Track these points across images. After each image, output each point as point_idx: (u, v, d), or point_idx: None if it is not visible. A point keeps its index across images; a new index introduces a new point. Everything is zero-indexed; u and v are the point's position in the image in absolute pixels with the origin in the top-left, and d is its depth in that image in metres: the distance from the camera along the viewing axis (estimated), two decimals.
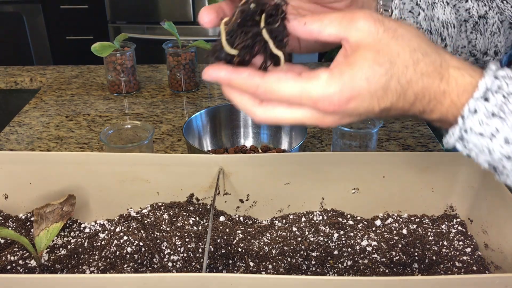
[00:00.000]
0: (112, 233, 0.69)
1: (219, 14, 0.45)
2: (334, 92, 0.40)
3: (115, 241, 0.66)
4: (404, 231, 0.71)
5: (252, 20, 0.42)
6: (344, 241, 0.69)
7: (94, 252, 0.66)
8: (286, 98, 0.41)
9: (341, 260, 0.67)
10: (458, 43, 0.65)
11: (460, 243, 0.69)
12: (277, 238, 0.70)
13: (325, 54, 2.48)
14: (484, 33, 0.66)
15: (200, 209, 0.74)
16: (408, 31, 0.42)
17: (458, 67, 0.42)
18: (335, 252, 0.68)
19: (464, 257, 0.67)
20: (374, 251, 0.68)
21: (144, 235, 0.68)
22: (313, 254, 0.67)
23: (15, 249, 0.66)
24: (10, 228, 0.70)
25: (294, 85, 0.40)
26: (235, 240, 0.69)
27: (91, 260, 0.64)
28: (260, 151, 1.01)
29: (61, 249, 0.67)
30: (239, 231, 0.71)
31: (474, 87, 0.42)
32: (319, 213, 0.75)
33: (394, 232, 0.71)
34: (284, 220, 0.75)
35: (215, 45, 0.43)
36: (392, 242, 0.69)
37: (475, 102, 0.41)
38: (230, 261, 0.66)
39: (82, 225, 0.73)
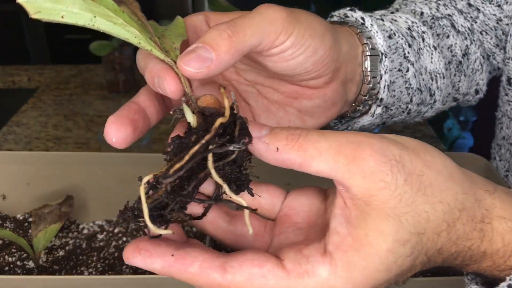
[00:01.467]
0: (110, 234, 0.69)
1: (136, 128, 0.32)
2: None
3: (114, 242, 0.66)
4: None
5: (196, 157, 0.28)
6: None
7: (92, 253, 0.65)
8: None
9: None
10: (444, 93, 0.55)
11: None
12: None
13: None
14: (467, 73, 0.57)
15: None
16: (438, 172, 0.29)
17: (504, 217, 0.31)
18: None
19: None
20: None
21: (143, 236, 0.67)
22: None
23: (13, 250, 0.65)
24: (7, 229, 0.70)
25: (277, 286, 0.28)
26: None
27: (89, 262, 0.64)
28: None
29: (59, 250, 0.66)
30: None
31: None
32: None
33: None
34: None
35: (123, 211, 0.28)
36: None
37: None
38: None
39: (80, 226, 0.72)
